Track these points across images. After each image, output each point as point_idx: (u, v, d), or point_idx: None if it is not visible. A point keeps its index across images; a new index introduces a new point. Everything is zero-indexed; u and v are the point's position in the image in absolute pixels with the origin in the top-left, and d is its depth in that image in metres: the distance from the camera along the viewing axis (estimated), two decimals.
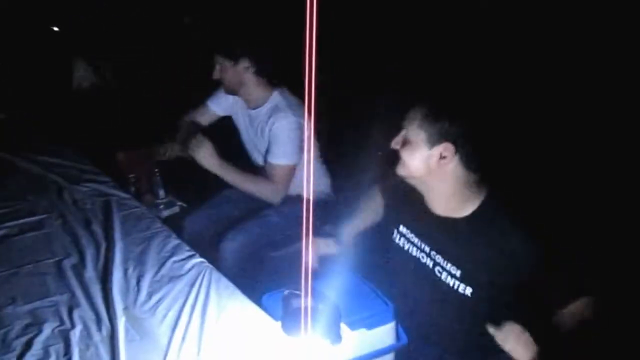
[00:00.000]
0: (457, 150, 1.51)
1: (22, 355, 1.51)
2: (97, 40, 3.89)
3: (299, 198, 2.32)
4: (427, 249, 1.67)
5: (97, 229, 2.10)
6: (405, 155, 1.57)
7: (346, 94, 3.67)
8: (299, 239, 1.46)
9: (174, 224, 2.36)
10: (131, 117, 3.42)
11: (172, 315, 1.67)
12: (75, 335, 1.58)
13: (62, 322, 1.63)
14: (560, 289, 1.53)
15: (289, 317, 1.42)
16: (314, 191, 2.46)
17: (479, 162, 1.54)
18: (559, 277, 1.52)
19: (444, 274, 1.61)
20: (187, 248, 1.99)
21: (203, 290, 1.76)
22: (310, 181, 2.13)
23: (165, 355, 1.51)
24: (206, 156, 2.32)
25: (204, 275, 1.83)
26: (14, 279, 1.82)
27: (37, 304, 1.71)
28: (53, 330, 1.60)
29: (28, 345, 1.54)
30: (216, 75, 2.43)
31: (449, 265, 1.60)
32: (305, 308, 1.38)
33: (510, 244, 1.50)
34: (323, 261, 1.90)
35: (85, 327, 1.62)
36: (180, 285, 1.80)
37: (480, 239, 1.55)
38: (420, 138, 1.53)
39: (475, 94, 1.67)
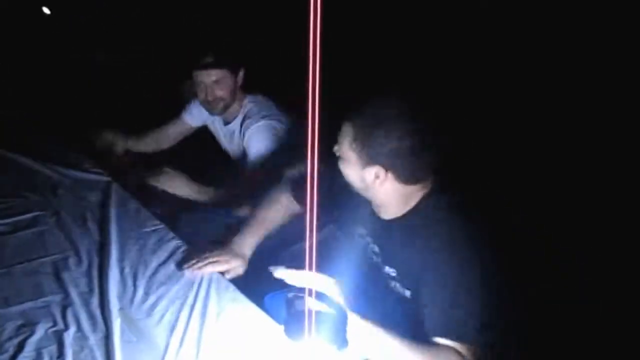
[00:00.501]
0: (389, 172, 1.45)
1: (15, 357, 1.45)
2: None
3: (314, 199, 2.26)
4: (376, 249, 1.63)
5: (93, 226, 2.04)
6: (342, 168, 1.53)
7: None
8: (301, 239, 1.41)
9: (172, 221, 2.30)
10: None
11: (170, 316, 1.61)
12: (69, 336, 1.52)
13: (55, 323, 1.57)
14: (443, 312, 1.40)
15: (292, 320, 1.36)
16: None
17: (414, 177, 1.48)
18: (451, 301, 1.39)
19: (387, 276, 1.58)
20: (186, 247, 1.93)
21: (202, 291, 1.71)
22: (314, 181, 2.09)
23: (163, 357, 1.45)
24: (182, 186, 2.28)
25: (202, 275, 1.77)
26: (6, 278, 1.75)
27: (30, 304, 1.64)
28: (46, 331, 1.54)
29: (20, 347, 1.48)
30: (212, 93, 2.30)
31: (387, 266, 1.57)
32: (310, 311, 1.32)
33: (427, 247, 1.44)
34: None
35: (80, 328, 1.56)
36: (179, 285, 1.74)
37: (409, 239, 1.49)
38: (352, 158, 1.47)
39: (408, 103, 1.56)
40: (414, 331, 1.55)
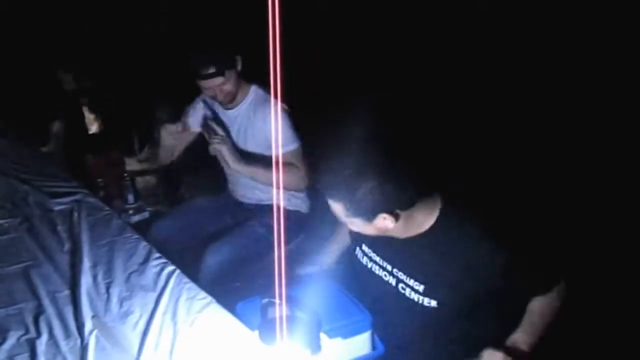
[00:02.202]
0: (392, 211, 1.47)
1: None
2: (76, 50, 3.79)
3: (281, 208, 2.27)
4: (389, 267, 1.66)
5: (64, 233, 2.04)
6: (349, 225, 1.55)
7: (322, 100, 3.65)
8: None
9: (144, 230, 2.30)
10: (102, 120, 3.34)
11: (143, 323, 1.62)
12: (42, 344, 1.52)
13: (27, 331, 1.57)
14: (527, 281, 1.57)
15: (266, 325, 1.38)
16: (290, 202, 2.43)
17: (414, 199, 1.50)
18: (522, 270, 1.54)
19: (408, 290, 1.60)
20: (158, 255, 1.94)
21: (175, 298, 1.72)
22: (280, 187, 2.11)
23: None
24: (232, 156, 2.25)
25: (175, 282, 1.78)
26: None
27: (2, 312, 1.64)
28: (18, 339, 1.54)
29: None
30: (221, 94, 2.30)
31: (412, 281, 1.59)
32: (283, 316, 1.35)
33: (467, 252, 1.50)
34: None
35: (52, 336, 1.56)
36: (152, 292, 1.75)
37: (438, 252, 1.53)
38: (356, 221, 1.50)
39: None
40: (436, 339, 1.64)
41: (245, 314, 1.68)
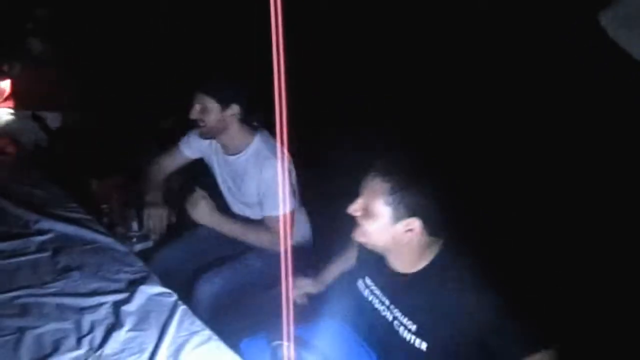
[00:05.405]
0: (421, 223, 1.47)
1: None
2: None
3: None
4: (387, 302, 1.63)
5: (64, 261, 1.99)
6: (366, 225, 1.52)
7: (324, 134, 3.63)
8: (280, 283, 1.39)
9: (147, 259, 2.25)
10: (107, 144, 3.32)
11: (144, 358, 1.56)
12: None
13: None
14: (514, 340, 1.45)
15: None
16: (294, 238, 2.38)
17: (439, 229, 1.50)
18: (511, 328, 1.44)
19: (401, 328, 1.57)
20: (161, 286, 1.89)
21: (177, 333, 1.66)
22: (287, 227, 2.08)
23: None
24: (205, 214, 2.23)
25: (178, 316, 1.73)
26: None
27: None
28: None
29: None
30: (195, 115, 2.27)
31: (406, 320, 1.56)
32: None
33: (460, 297, 1.46)
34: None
35: None
36: (154, 325, 1.69)
37: (429, 294, 1.51)
38: (385, 214, 1.47)
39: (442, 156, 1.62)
40: None
41: (251, 353, 1.63)
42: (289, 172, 2.30)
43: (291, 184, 2.30)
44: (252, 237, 2.29)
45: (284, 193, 2.18)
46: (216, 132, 2.31)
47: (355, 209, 1.52)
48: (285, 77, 1.17)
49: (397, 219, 1.46)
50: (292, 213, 2.28)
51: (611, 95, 3.20)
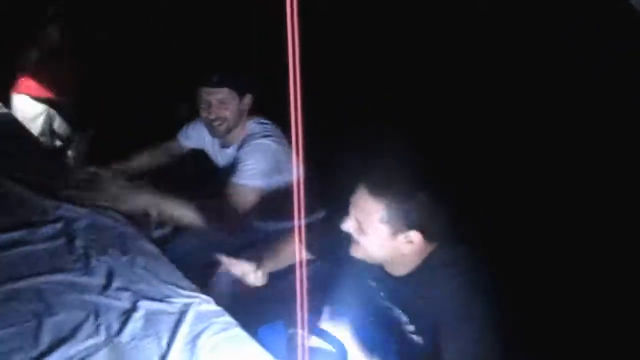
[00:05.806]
0: (421, 234, 1.45)
1: None
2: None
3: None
4: (388, 302, 1.62)
5: (82, 247, 1.99)
6: (364, 241, 1.49)
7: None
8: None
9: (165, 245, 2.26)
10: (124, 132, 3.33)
11: (161, 346, 1.56)
12: None
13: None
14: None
15: (293, 356, 1.32)
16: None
17: (439, 235, 1.49)
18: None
19: (402, 322, 1.57)
20: (180, 274, 1.89)
21: (196, 321, 1.66)
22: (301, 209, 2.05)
23: None
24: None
25: (197, 304, 1.73)
26: None
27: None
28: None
29: None
30: (214, 112, 2.24)
31: (404, 316, 1.57)
32: (310, 348, 1.29)
33: (451, 295, 1.44)
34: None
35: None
36: (171, 316, 1.68)
37: (422, 293, 1.49)
38: (382, 231, 1.45)
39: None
40: None
41: (268, 340, 1.62)
42: (274, 151, 2.27)
43: (277, 163, 2.27)
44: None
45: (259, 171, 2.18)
46: (234, 126, 2.29)
47: (348, 226, 1.50)
48: (300, 80, 1.14)
49: (396, 233, 1.44)
50: (257, 191, 2.23)
51: (611, 95, 3.17)
